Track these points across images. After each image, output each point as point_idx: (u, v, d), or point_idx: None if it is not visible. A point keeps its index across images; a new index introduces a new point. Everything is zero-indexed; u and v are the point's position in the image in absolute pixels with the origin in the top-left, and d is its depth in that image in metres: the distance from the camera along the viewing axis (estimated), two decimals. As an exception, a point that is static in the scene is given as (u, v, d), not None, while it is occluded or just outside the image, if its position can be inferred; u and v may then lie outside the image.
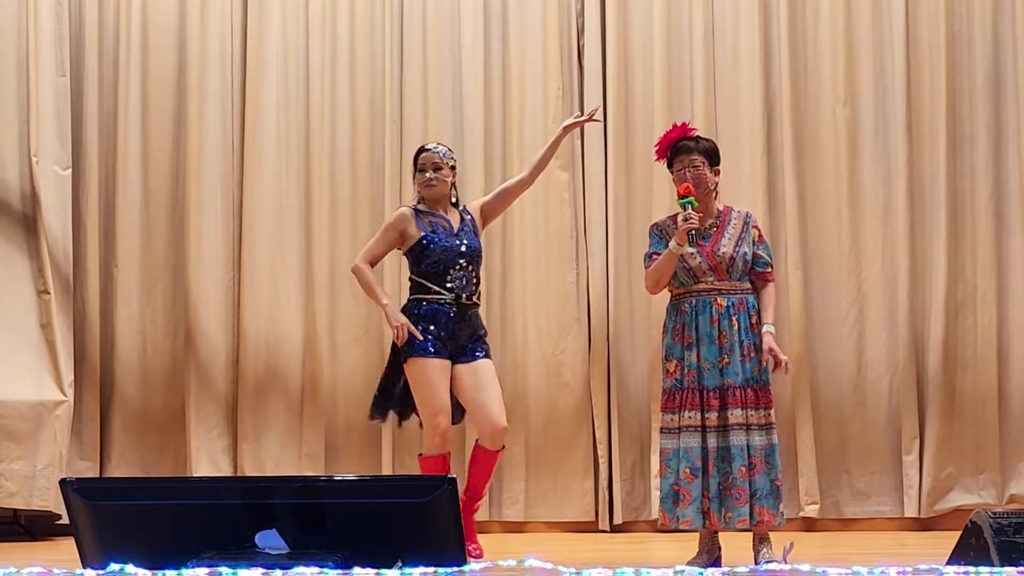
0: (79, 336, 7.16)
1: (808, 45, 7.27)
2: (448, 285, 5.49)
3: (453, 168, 5.67)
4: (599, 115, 5.89)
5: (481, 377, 5.50)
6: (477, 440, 5.62)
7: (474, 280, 5.55)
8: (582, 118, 5.80)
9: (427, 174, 5.58)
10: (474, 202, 5.85)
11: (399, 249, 5.66)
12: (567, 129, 5.77)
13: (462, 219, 5.64)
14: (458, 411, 5.61)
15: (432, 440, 5.47)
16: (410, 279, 5.62)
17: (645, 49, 7.29)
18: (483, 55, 7.31)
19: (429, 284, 5.51)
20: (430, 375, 5.42)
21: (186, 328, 7.23)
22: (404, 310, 5.54)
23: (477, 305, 5.59)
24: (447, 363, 5.47)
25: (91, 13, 7.35)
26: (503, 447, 5.62)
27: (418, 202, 5.65)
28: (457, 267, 5.51)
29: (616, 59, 7.26)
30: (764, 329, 5.16)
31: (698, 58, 7.24)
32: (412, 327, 5.43)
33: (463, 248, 5.54)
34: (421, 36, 7.35)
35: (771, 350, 5.11)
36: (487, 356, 5.57)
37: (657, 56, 7.25)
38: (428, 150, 5.65)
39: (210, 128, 7.32)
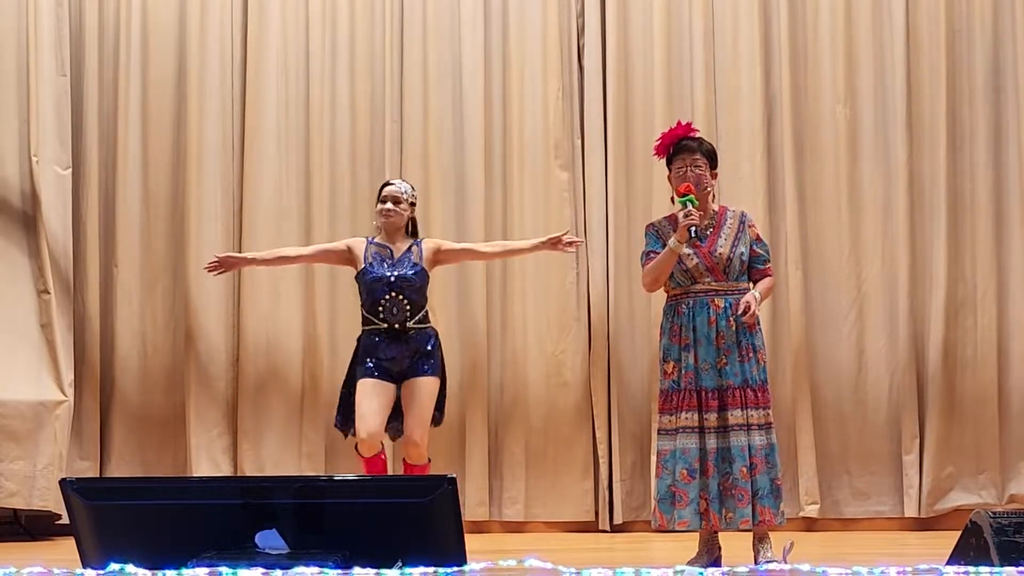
0: (79, 336, 7.16)
1: (808, 45, 7.27)
2: (380, 315, 5.86)
3: (413, 205, 6.05)
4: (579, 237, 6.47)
5: (413, 396, 5.86)
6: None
7: (407, 308, 5.85)
8: (569, 243, 6.05)
9: (387, 205, 5.96)
10: (436, 240, 6.20)
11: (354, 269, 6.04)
12: (539, 248, 6.10)
13: (409, 249, 5.98)
14: (399, 426, 6.02)
15: (360, 445, 5.87)
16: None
17: (645, 49, 7.29)
18: (483, 55, 7.31)
19: (367, 315, 5.90)
20: (361, 392, 5.85)
21: (186, 328, 7.23)
22: (357, 341, 5.97)
23: (418, 328, 5.88)
24: (386, 384, 5.85)
25: (91, 13, 7.36)
26: (429, 460, 5.97)
27: (377, 231, 6.04)
28: (387, 297, 5.85)
29: (616, 59, 7.26)
30: (748, 294, 5.12)
31: (698, 58, 7.24)
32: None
33: (392, 278, 5.87)
34: (421, 36, 7.35)
35: (747, 299, 5.06)
36: (429, 373, 5.90)
37: (657, 56, 7.25)
38: (392, 184, 6.03)
39: (210, 128, 7.32)
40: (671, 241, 5.10)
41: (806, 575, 3.71)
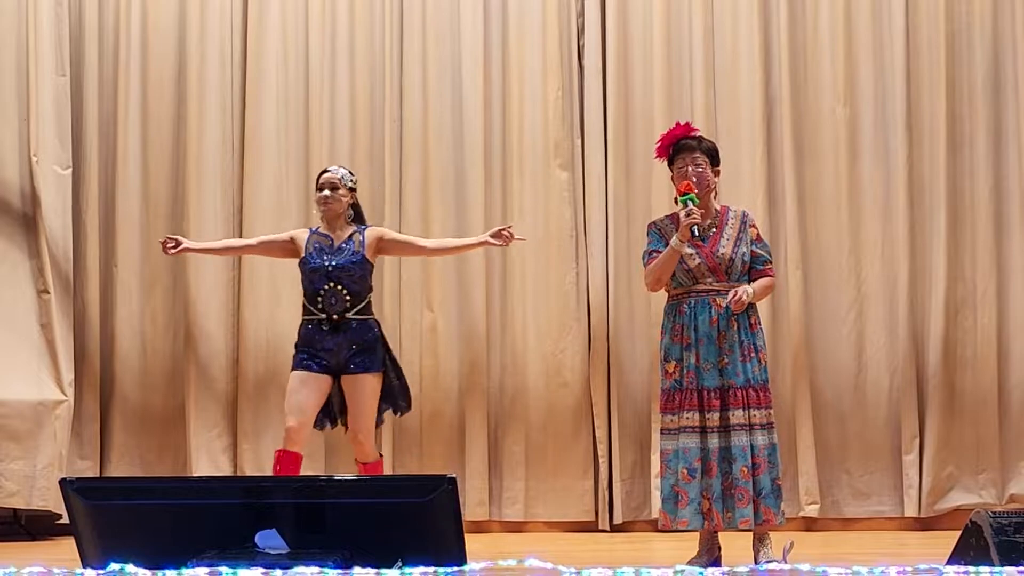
0: (79, 336, 7.16)
1: (808, 45, 7.27)
2: (319, 304, 5.82)
3: (352, 190, 5.98)
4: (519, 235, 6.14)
5: (353, 394, 5.83)
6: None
7: (346, 298, 5.81)
8: (500, 241, 5.94)
9: (324, 192, 5.92)
10: (380, 229, 6.13)
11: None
12: (486, 243, 6.01)
13: (350, 237, 5.92)
14: (326, 420, 5.99)
15: (285, 437, 5.89)
16: None
17: (645, 49, 7.29)
18: (483, 55, 7.31)
19: (307, 304, 5.88)
20: (292, 381, 5.87)
21: (186, 327, 7.23)
22: (298, 333, 5.92)
23: (359, 319, 5.84)
24: (320, 376, 5.82)
25: (91, 13, 7.35)
26: (381, 456, 6.00)
27: (321, 219, 5.99)
28: (326, 287, 5.82)
29: (616, 59, 7.26)
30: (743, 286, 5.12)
31: (698, 58, 7.24)
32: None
33: (330, 267, 5.83)
34: (421, 36, 7.35)
35: (739, 289, 5.06)
36: (370, 369, 5.83)
37: (657, 56, 7.25)
38: (328, 172, 5.98)
39: (210, 128, 7.32)
40: (673, 240, 5.10)
41: (806, 575, 3.71)
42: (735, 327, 5.10)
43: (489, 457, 7.15)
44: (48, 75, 7.05)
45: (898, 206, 7.12)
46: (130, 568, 3.57)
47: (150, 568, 3.58)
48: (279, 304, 7.24)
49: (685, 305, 5.16)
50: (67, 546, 4.27)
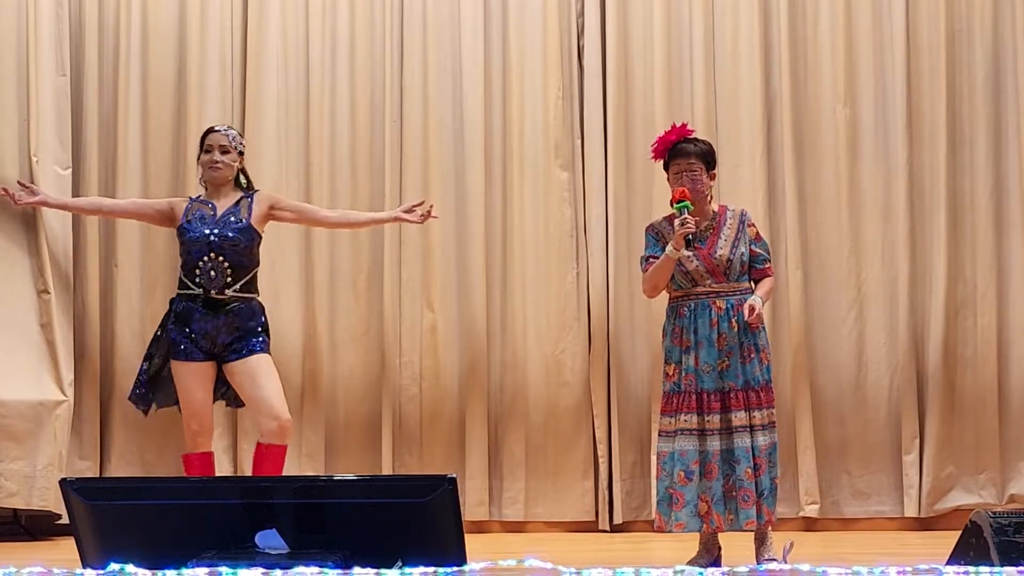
0: (79, 335, 7.15)
1: (808, 45, 7.27)
2: (196, 279, 5.38)
3: (241, 154, 5.60)
4: (436, 211, 5.85)
5: (256, 374, 5.40)
6: (259, 439, 5.56)
7: (228, 273, 5.40)
8: (415, 216, 5.71)
9: (213, 155, 5.50)
10: (272, 195, 5.68)
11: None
12: (398, 219, 5.78)
13: (237, 204, 5.49)
14: (233, 400, 5.64)
15: (188, 441, 5.56)
16: None
17: (645, 49, 7.29)
18: (483, 55, 7.31)
19: (183, 278, 5.47)
20: (182, 378, 5.44)
21: (186, 328, 7.22)
22: (170, 304, 5.52)
23: (239, 299, 5.46)
24: (202, 364, 5.42)
25: (91, 13, 7.35)
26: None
27: (201, 184, 5.61)
28: (206, 259, 5.39)
29: (616, 59, 7.26)
30: (751, 298, 5.10)
31: (698, 58, 7.24)
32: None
33: (212, 238, 5.39)
34: (421, 36, 7.35)
35: (751, 303, 5.04)
36: (262, 350, 5.43)
37: (657, 56, 7.25)
38: (217, 131, 5.56)
39: (210, 128, 7.31)
40: (668, 248, 5.09)
41: (806, 575, 3.71)
42: (735, 329, 5.10)
43: (489, 457, 7.15)
44: (48, 75, 7.05)
45: (898, 206, 7.12)
46: (130, 568, 3.57)
47: (150, 568, 3.58)
48: (279, 303, 7.22)
49: (685, 308, 5.16)
50: (67, 546, 4.27)
